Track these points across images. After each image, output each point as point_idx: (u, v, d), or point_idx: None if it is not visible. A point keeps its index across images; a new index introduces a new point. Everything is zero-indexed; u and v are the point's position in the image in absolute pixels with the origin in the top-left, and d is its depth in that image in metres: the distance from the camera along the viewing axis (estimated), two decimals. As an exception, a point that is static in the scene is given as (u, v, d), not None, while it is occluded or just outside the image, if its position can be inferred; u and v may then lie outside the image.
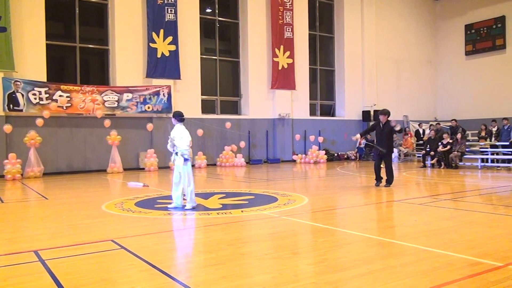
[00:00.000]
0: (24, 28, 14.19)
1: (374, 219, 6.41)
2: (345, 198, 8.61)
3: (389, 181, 9.84)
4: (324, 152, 19.50)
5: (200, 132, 16.46)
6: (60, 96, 14.31)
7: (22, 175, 13.15)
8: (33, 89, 13.91)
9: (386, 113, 9.82)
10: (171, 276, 3.72)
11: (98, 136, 15.23)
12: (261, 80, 19.13)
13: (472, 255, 4.17)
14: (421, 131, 20.35)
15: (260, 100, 19.12)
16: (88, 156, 15.28)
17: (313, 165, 17.91)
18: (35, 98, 13.93)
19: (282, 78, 19.27)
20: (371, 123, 9.95)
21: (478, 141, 15.98)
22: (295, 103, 19.93)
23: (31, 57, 14.29)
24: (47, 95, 14.13)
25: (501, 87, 22.03)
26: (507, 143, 14.67)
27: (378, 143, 9.95)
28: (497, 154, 15.05)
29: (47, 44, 14.69)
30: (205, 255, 4.60)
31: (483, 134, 15.76)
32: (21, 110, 13.81)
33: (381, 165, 10.05)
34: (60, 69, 16.29)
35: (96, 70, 17.07)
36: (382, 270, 3.78)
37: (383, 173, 9.98)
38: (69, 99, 14.47)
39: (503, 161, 15.00)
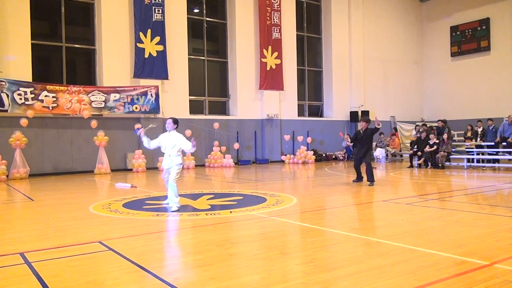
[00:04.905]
0: (9, 28, 13.98)
1: (362, 219, 6.45)
2: (333, 198, 8.65)
3: (371, 179, 10.36)
4: (312, 152, 19.60)
5: (188, 132, 16.39)
6: (46, 96, 14.15)
7: (7, 176, 12.97)
8: (18, 89, 13.73)
9: (367, 120, 10.78)
10: (160, 278, 3.69)
11: (85, 137, 15.10)
12: (249, 81, 19.13)
13: (459, 254, 4.22)
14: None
15: (249, 101, 19.13)
16: (75, 157, 15.12)
17: (302, 165, 17.97)
18: (21, 99, 13.75)
19: (270, 79, 19.29)
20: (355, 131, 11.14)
21: (464, 142, 16.16)
22: (283, 104, 19.96)
23: (16, 56, 14.08)
24: (33, 95, 13.96)
25: (486, 88, 22.33)
26: (492, 143, 14.87)
27: (359, 147, 10.82)
28: (483, 154, 15.25)
29: (32, 44, 14.51)
30: (194, 256, 4.58)
31: (469, 134, 15.95)
32: (6, 111, 13.61)
33: (361, 165, 10.75)
34: (46, 69, 16.09)
35: (82, 70, 16.90)
36: (370, 269, 3.80)
37: (363, 173, 10.56)
38: (55, 99, 14.31)
39: (489, 161, 15.20)
